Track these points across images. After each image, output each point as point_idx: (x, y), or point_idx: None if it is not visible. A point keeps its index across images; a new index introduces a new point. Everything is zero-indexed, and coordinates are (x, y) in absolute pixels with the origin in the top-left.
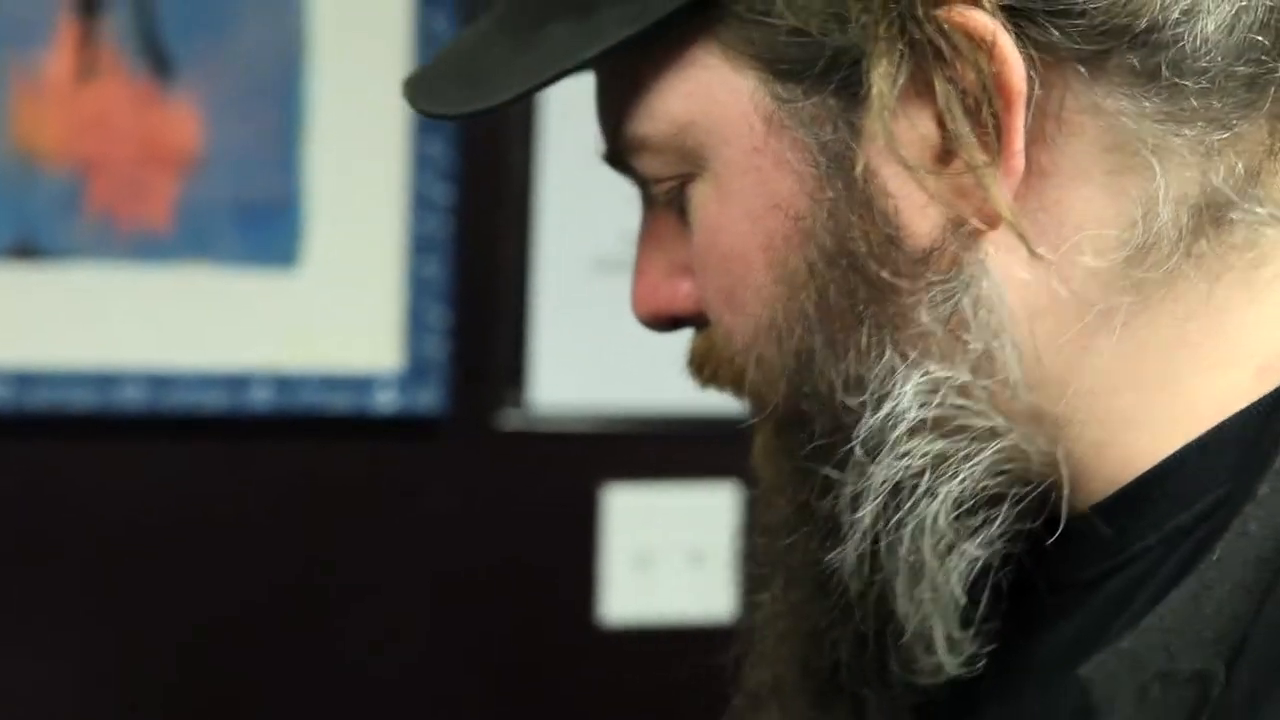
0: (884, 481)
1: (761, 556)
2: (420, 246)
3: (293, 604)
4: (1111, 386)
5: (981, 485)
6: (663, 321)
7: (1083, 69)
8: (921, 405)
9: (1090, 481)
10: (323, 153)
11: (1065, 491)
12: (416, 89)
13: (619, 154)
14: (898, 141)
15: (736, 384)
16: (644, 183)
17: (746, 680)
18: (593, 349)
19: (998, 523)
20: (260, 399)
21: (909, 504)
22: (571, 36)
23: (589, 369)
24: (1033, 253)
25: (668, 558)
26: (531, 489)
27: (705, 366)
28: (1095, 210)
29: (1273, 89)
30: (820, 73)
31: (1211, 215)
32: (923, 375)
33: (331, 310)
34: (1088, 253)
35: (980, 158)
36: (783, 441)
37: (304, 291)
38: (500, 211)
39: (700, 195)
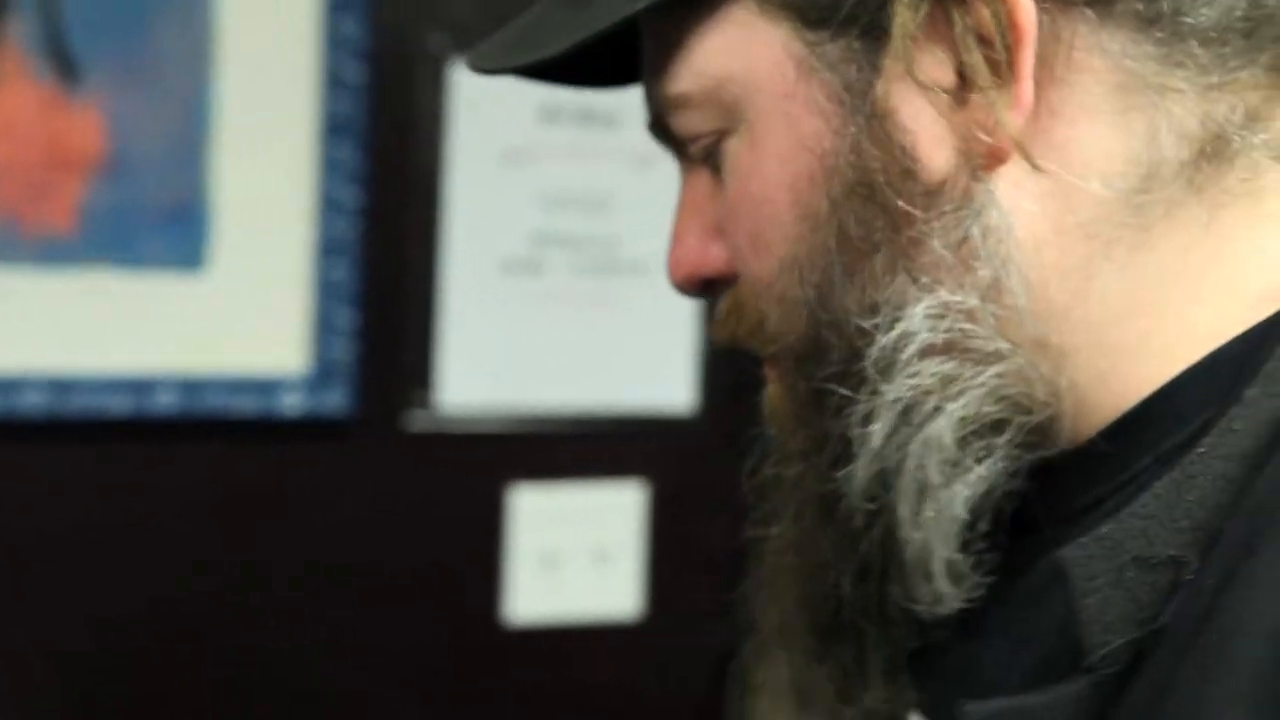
0: (895, 400)
1: (773, 489)
2: (328, 249)
3: (200, 607)
4: (1114, 316)
5: (986, 410)
6: (695, 284)
7: (1091, 13)
8: (931, 328)
9: (1093, 412)
10: (230, 156)
11: (1068, 420)
12: (476, 56)
13: (660, 114)
14: (918, 68)
15: (760, 329)
16: (682, 146)
17: (756, 627)
18: (500, 350)
19: (1001, 449)
20: (165, 403)
21: (917, 422)
22: None
23: (496, 370)
24: (1035, 167)
25: (573, 557)
26: (439, 489)
27: (729, 320)
28: (1102, 146)
29: (1270, 42)
30: (847, 17)
31: (1213, 149)
32: (933, 299)
33: (238, 313)
34: (1093, 183)
35: (992, 85)
36: (800, 373)
37: (210, 295)
38: (408, 214)
39: (734, 147)
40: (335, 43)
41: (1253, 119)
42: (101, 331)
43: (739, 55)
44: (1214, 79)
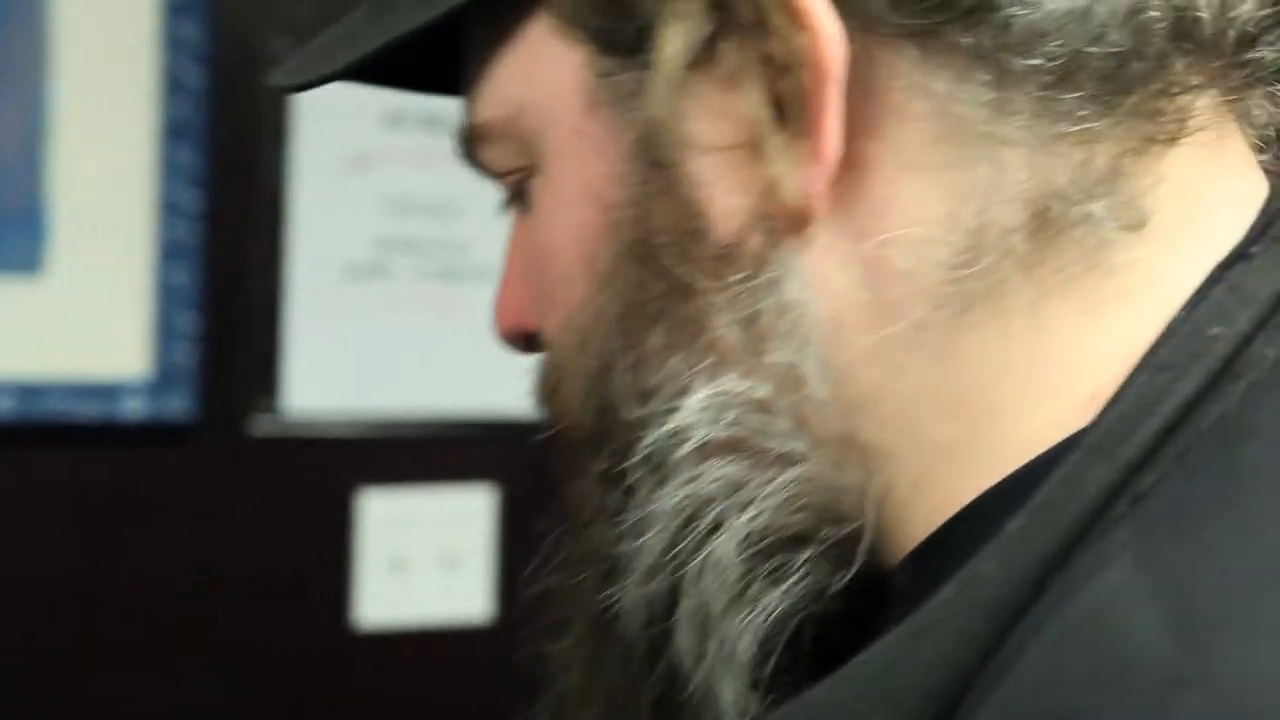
0: (668, 510)
1: (558, 600)
2: (169, 253)
3: (40, 613)
4: (927, 414)
5: (781, 522)
6: (517, 338)
7: (912, 48)
8: (712, 422)
9: (909, 525)
10: (68, 159)
11: (873, 535)
12: (282, 70)
13: (467, 146)
14: (686, 119)
15: (554, 401)
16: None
17: None
18: (345, 355)
19: (801, 569)
20: (3, 407)
21: (695, 538)
22: (413, 5)
23: (342, 374)
24: (808, 234)
25: (422, 561)
26: (285, 495)
27: (542, 387)
28: (922, 209)
29: (1138, 85)
30: (634, 44)
31: (1050, 218)
32: (715, 388)
33: (77, 317)
34: (903, 255)
35: (781, 142)
36: (578, 464)
37: (48, 298)
38: (251, 218)
39: (537, 188)
40: (175, 46)
41: (1104, 179)
42: None
43: (535, 81)
44: (1057, 129)
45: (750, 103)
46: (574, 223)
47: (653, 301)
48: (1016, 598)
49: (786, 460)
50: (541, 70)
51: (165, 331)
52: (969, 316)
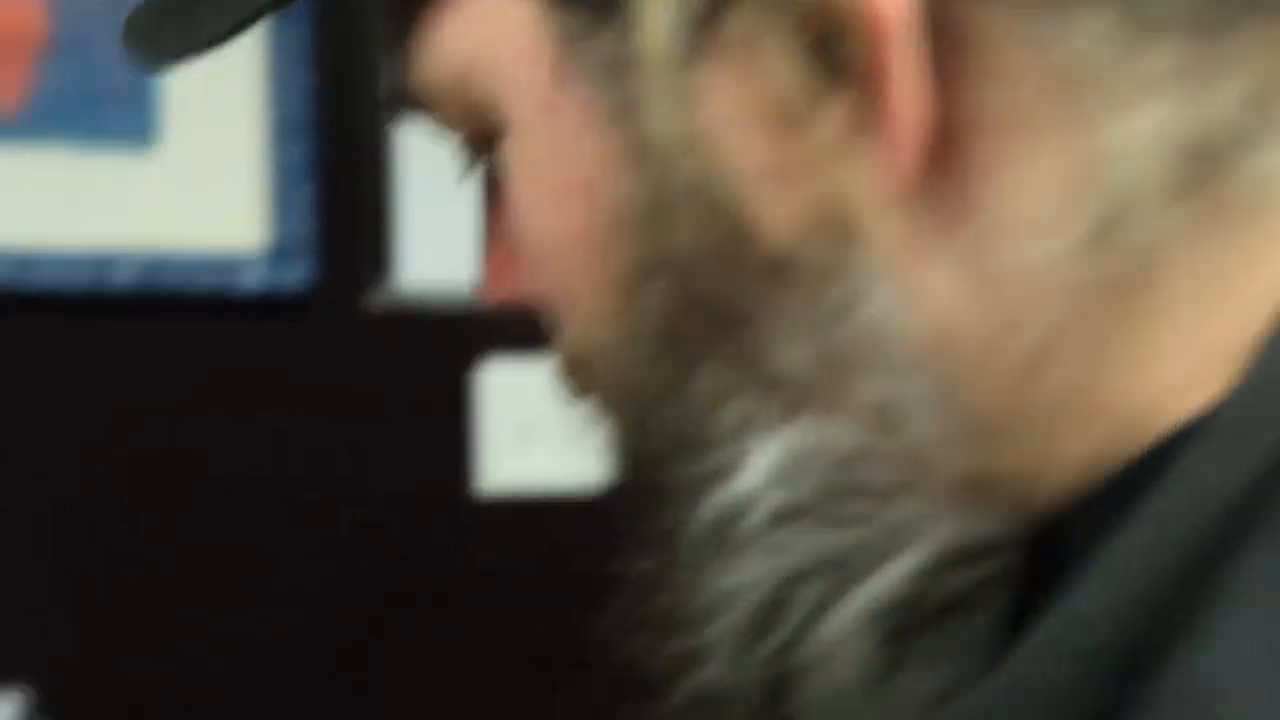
0: (746, 586)
1: (639, 668)
2: (282, 128)
3: (157, 484)
4: (1076, 428)
5: (915, 593)
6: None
7: None
8: (787, 483)
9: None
10: None
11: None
12: (132, 30)
13: (409, 110)
14: (693, 107)
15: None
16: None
17: None
18: (459, 226)
19: (973, 619)
20: (123, 279)
21: (797, 622)
22: None
23: (456, 246)
24: (892, 235)
25: (544, 429)
26: (401, 366)
27: (578, 372)
28: (1035, 182)
29: None
30: (602, 2)
31: (1203, 165)
32: (789, 441)
33: (193, 192)
34: (1018, 245)
35: (838, 121)
36: (633, 514)
37: (164, 174)
38: (361, 93)
39: (509, 157)
40: None
41: (1265, 101)
42: (56, 209)
43: (480, 36)
44: (1205, 53)
45: (785, 76)
46: (563, 219)
47: (691, 332)
48: (1126, 649)
49: (898, 526)
50: (487, 24)
51: (281, 204)
52: (1115, 302)
